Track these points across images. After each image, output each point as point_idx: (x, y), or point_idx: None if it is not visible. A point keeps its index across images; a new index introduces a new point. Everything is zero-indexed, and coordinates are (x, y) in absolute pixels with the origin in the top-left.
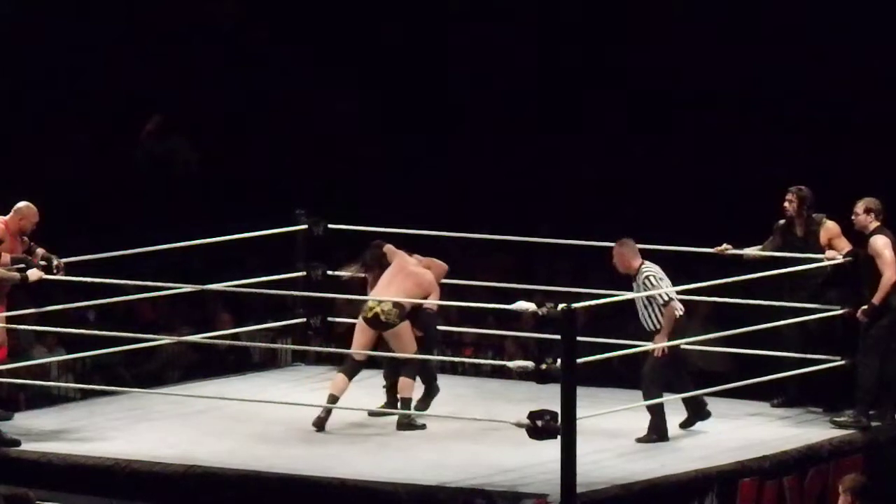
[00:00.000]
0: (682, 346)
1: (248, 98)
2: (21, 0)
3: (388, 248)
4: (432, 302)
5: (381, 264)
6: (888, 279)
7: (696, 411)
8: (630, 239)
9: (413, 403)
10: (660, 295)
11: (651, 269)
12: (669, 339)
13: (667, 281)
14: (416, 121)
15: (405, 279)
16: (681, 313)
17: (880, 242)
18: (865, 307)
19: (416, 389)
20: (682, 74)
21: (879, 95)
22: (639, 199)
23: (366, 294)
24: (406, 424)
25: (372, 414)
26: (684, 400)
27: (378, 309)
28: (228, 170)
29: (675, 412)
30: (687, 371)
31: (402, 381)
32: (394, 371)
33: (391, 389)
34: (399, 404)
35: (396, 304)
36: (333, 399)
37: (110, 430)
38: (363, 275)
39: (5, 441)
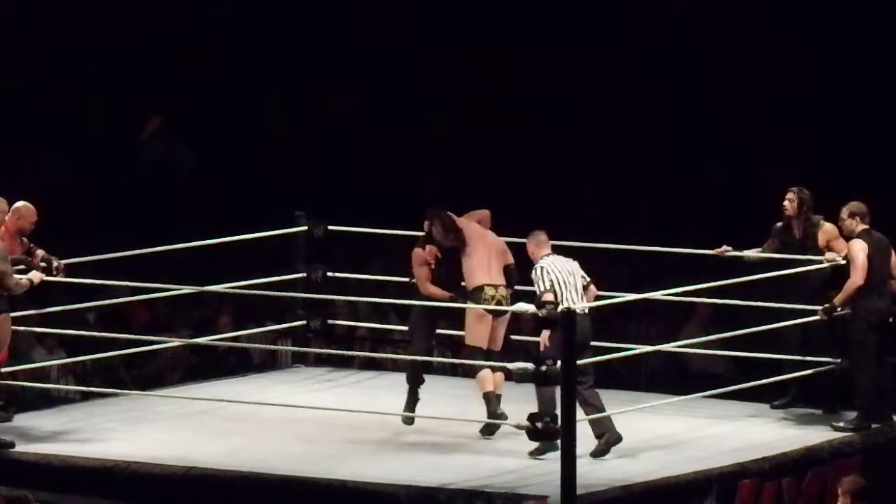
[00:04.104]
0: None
1: (248, 98)
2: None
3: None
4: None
5: (457, 234)
6: (853, 282)
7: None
8: (541, 231)
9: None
10: (537, 285)
11: (544, 262)
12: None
13: (558, 277)
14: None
15: (495, 251)
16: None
17: (857, 246)
18: (827, 305)
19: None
20: (679, 73)
21: (878, 97)
22: (639, 200)
23: (366, 295)
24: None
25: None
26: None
27: (498, 296)
28: (228, 171)
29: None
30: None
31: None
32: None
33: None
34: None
35: (506, 286)
36: (492, 395)
37: (110, 432)
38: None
39: (0, 443)
